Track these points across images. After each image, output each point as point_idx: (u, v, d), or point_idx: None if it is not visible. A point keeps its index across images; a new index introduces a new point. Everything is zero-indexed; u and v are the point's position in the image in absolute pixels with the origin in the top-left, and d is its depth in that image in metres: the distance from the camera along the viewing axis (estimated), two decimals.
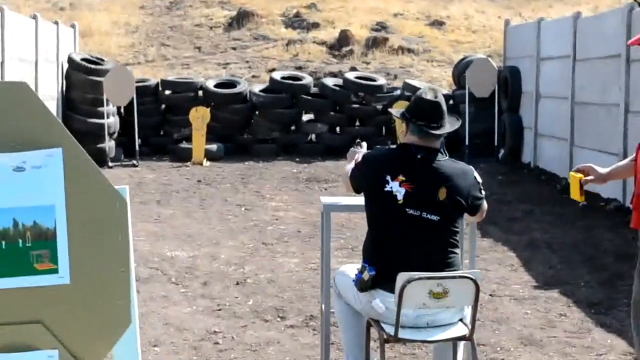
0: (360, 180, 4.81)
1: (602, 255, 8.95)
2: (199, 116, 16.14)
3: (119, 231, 3.05)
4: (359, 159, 4.89)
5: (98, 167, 3.05)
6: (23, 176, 2.94)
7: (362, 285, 4.60)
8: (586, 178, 4.84)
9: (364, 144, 5.33)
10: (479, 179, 4.75)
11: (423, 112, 4.67)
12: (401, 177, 4.57)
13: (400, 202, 4.54)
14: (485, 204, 4.80)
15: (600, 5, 25.29)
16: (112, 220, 3.04)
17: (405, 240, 4.55)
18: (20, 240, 2.94)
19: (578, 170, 4.91)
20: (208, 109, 16.48)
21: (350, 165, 5.04)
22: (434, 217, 4.54)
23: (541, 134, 15.50)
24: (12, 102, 2.92)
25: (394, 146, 4.95)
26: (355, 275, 4.69)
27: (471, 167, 4.80)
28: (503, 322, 6.77)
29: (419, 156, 4.62)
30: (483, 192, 4.77)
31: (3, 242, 2.92)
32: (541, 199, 12.43)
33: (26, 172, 2.94)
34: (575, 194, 4.86)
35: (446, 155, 4.74)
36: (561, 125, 14.18)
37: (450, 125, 4.76)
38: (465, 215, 4.75)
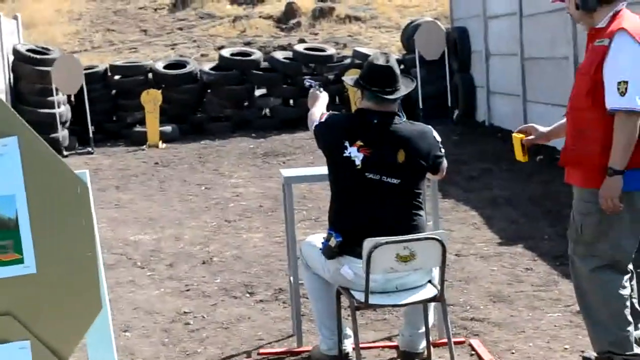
0: (322, 141, 4.83)
1: (562, 207, 8.99)
2: (151, 99, 16.03)
3: (82, 216, 3.03)
4: (323, 118, 4.88)
5: (56, 153, 3.03)
6: None
7: (330, 253, 4.61)
8: (527, 138, 4.91)
9: (324, 92, 5.37)
10: (438, 138, 4.76)
11: (376, 77, 4.67)
12: (359, 143, 4.59)
13: (359, 167, 4.56)
14: (445, 162, 4.81)
15: None
16: (74, 206, 3.01)
17: (368, 205, 4.57)
18: None
19: (520, 131, 4.97)
20: (159, 91, 16.35)
21: (316, 112, 5.07)
22: (394, 181, 4.56)
23: (493, 92, 15.58)
24: None
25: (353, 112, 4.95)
26: (322, 243, 4.70)
27: (430, 127, 4.81)
28: (471, 281, 6.83)
29: (374, 121, 4.63)
30: (443, 150, 4.78)
31: None
32: (498, 157, 12.51)
33: None
34: (518, 154, 4.93)
35: (404, 117, 4.74)
36: (512, 81, 14.25)
37: (405, 87, 4.75)
38: (427, 174, 4.77)
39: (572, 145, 4.54)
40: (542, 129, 4.95)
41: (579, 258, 4.61)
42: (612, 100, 4.29)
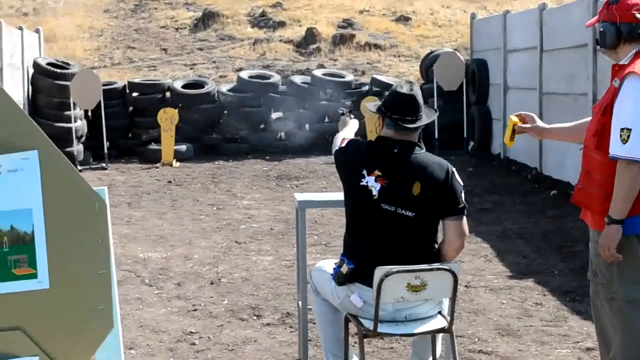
0: (340, 168, 4.79)
1: (574, 243, 9.00)
2: (167, 117, 16.06)
3: (98, 233, 2.99)
4: (344, 143, 4.84)
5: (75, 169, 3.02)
6: None
7: (341, 279, 4.57)
8: (521, 125, 4.81)
9: (354, 119, 5.39)
10: (459, 180, 4.61)
11: (398, 105, 4.60)
12: (377, 172, 4.53)
13: (375, 197, 4.51)
14: (464, 221, 4.64)
15: None
16: (91, 223, 2.98)
17: (381, 236, 4.53)
18: None
19: (519, 116, 4.86)
20: (176, 110, 16.39)
21: (340, 136, 5.03)
22: (409, 213, 4.49)
23: None
24: None
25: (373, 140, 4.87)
26: (334, 269, 4.66)
27: (449, 164, 4.67)
28: (479, 313, 6.80)
29: (395, 150, 4.57)
30: (463, 198, 4.62)
31: None
32: (512, 190, 12.51)
33: (1, 175, 2.89)
34: (507, 136, 4.86)
35: (423, 148, 4.66)
36: None
37: (427, 117, 4.69)
38: (443, 248, 4.65)
39: (581, 185, 4.38)
40: (540, 123, 4.84)
41: (601, 300, 4.38)
42: (614, 147, 4.06)
